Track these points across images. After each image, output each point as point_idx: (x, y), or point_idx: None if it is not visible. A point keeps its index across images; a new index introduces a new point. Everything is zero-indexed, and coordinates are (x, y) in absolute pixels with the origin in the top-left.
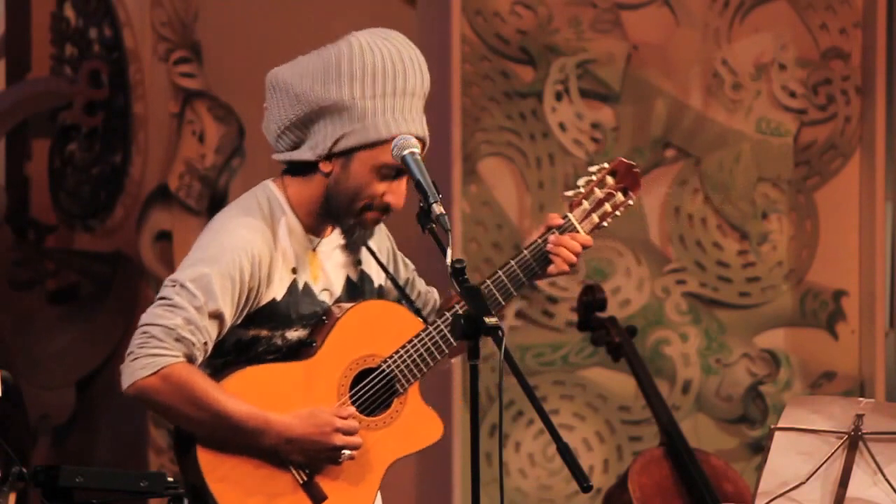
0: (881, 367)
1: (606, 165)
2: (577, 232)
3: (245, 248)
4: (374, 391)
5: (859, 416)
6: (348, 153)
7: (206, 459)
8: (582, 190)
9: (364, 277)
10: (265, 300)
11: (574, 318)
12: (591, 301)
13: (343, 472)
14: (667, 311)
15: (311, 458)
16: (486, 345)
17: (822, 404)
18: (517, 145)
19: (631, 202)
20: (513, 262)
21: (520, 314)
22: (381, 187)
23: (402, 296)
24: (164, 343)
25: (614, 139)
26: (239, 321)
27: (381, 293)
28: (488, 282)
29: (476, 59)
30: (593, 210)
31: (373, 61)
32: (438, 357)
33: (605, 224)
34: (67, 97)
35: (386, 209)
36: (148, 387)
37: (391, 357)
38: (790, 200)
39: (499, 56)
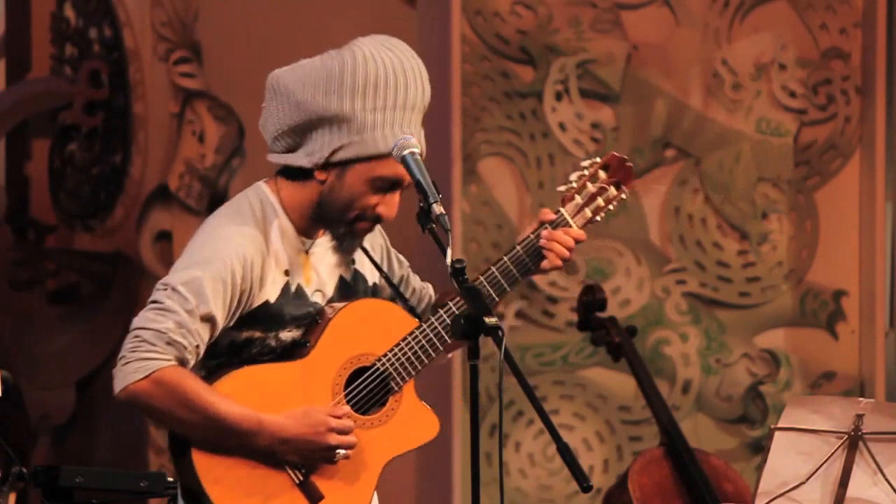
0: (881, 367)
1: (598, 160)
2: (570, 226)
3: (237, 251)
4: (368, 390)
5: (859, 416)
6: (344, 164)
7: (202, 462)
8: (574, 185)
9: (358, 276)
10: (258, 302)
11: (574, 318)
12: (591, 301)
13: (339, 471)
14: (667, 311)
15: (306, 458)
16: (486, 345)
17: (822, 404)
18: (517, 145)
19: (624, 196)
20: (506, 258)
21: (520, 314)
22: (374, 199)
23: (396, 294)
24: (155, 347)
25: (614, 139)
26: (232, 323)
27: (375, 291)
28: (481, 278)
29: (476, 59)
30: (586, 204)
31: (375, 73)
32: (433, 354)
33: (598, 218)
34: (67, 97)
35: (377, 220)
36: (140, 391)
37: (385, 355)
38: (790, 200)
39: (499, 56)
